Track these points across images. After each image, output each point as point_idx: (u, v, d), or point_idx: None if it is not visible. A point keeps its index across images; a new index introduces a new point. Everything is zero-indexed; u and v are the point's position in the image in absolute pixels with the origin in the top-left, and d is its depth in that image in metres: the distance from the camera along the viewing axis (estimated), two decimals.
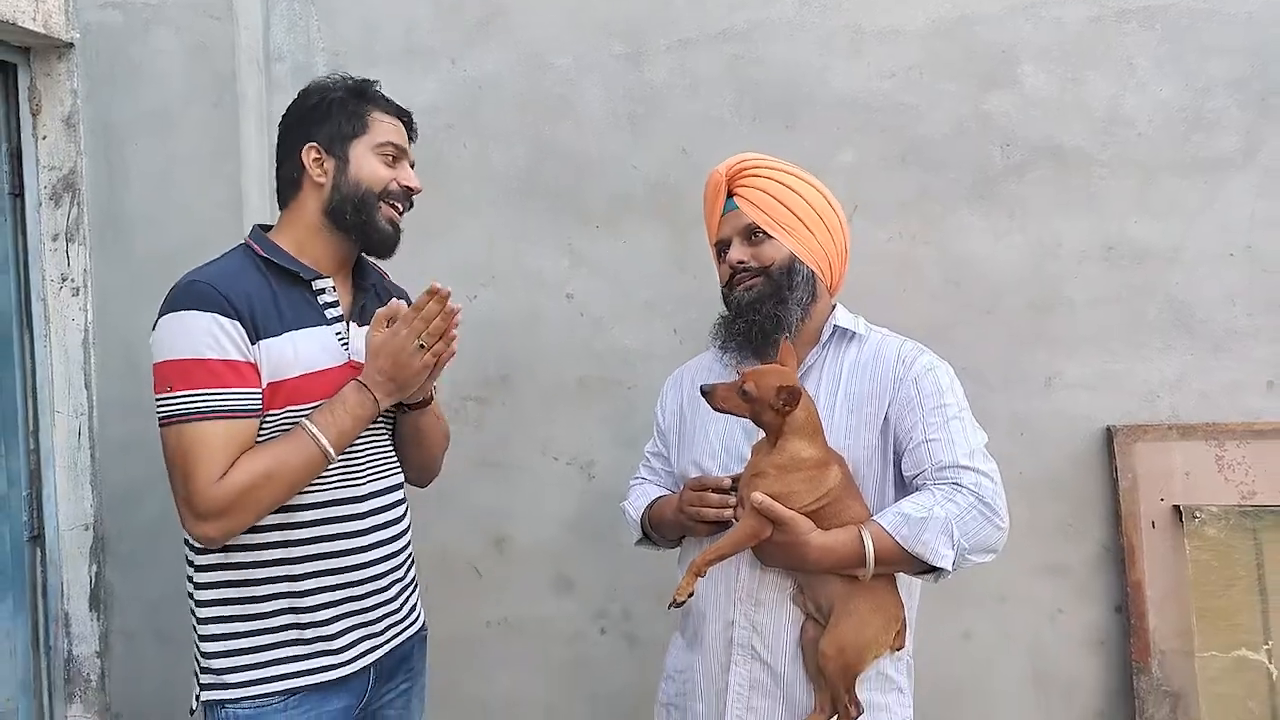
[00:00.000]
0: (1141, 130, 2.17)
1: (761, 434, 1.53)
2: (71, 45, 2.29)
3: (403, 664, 1.69)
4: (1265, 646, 2.03)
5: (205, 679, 1.51)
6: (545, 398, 2.37)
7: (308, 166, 1.55)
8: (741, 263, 1.61)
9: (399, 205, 1.61)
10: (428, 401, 1.65)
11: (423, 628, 1.78)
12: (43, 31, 2.20)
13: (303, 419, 1.46)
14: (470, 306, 2.37)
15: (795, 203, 1.60)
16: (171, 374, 1.40)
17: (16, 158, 2.30)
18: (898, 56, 2.23)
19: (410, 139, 1.65)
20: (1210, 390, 2.16)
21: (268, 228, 1.62)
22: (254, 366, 1.44)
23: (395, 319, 1.50)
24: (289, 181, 1.58)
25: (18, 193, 2.31)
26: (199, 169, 2.30)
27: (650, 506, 1.72)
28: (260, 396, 1.44)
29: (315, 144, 1.55)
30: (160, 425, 1.42)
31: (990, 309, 2.23)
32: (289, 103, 1.63)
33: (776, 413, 1.44)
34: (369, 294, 1.67)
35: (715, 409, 1.50)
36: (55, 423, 2.32)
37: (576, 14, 2.33)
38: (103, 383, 2.35)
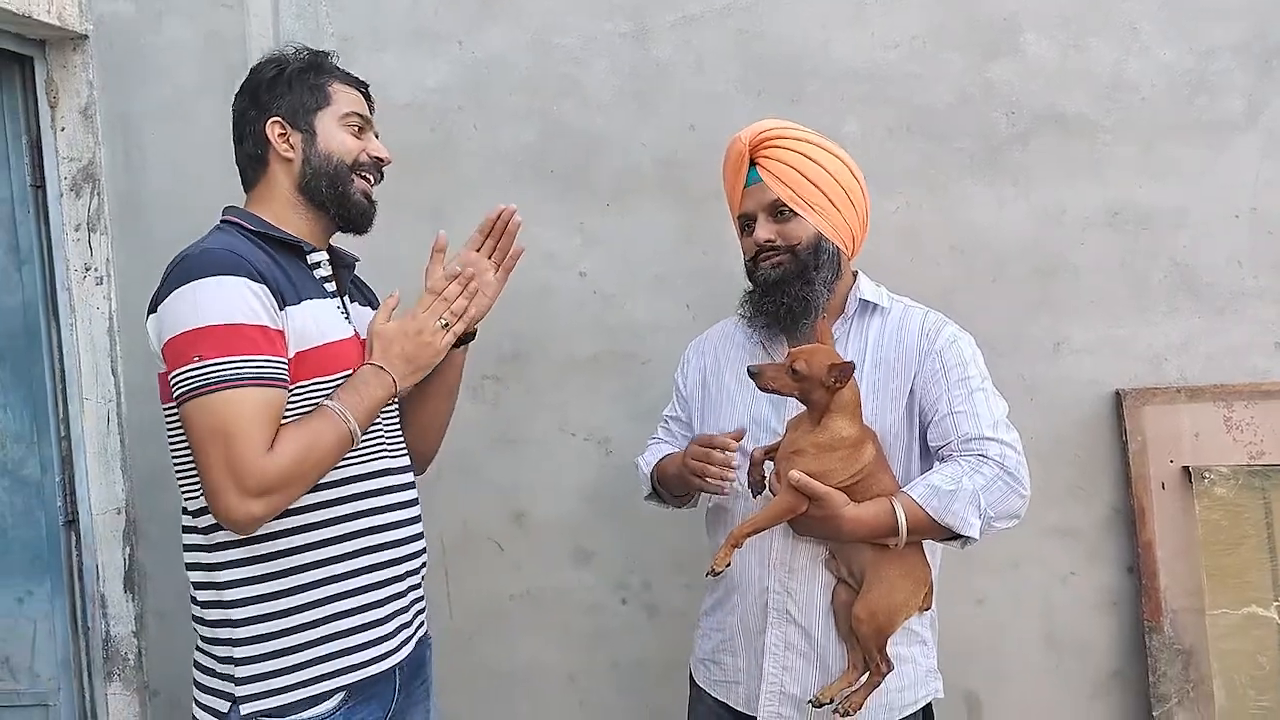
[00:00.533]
0: (1145, 95, 2.18)
1: (790, 409, 1.58)
2: (86, 37, 2.33)
3: (419, 670, 1.62)
4: (1275, 603, 2.06)
5: (245, 689, 1.40)
6: (560, 374, 2.41)
7: (273, 141, 1.50)
8: (769, 240, 1.62)
9: (370, 176, 1.57)
10: (469, 339, 1.64)
11: (428, 633, 1.70)
12: (57, 24, 2.24)
13: (323, 400, 1.40)
14: None
15: (821, 178, 1.59)
16: (202, 342, 1.28)
17: (37, 149, 2.35)
18: (901, 27, 2.25)
19: (370, 110, 1.60)
20: (1216, 352, 2.18)
21: (235, 209, 1.54)
22: (282, 335, 1.37)
23: (427, 277, 1.50)
24: (254, 159, 1.52)
25: (39, 184, 2.36)
26: (214, 157, 2.31)
27: (659, 463, 1.77)
28: (287, 366, 1.36)
29: (279, 118, 1.50)
30: (187, 399, 1.29)
31: (996, 276, 2.25)
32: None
33: (827, 390, 1.48)
34: (349, 271, 1.63)
35: (763, 389, 1.52)
36: (85, 409, 2.38)
37: None
38: (128, 368, 2.41)
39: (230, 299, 1.31)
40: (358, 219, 1.56)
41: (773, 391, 1.52)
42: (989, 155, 2.23)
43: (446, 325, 1.50)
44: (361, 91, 1.59)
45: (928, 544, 1.60)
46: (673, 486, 1.72)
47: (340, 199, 1.53)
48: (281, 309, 1.38)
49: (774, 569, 1.61)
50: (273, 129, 1.50)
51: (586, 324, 2.39)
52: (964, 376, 1.57)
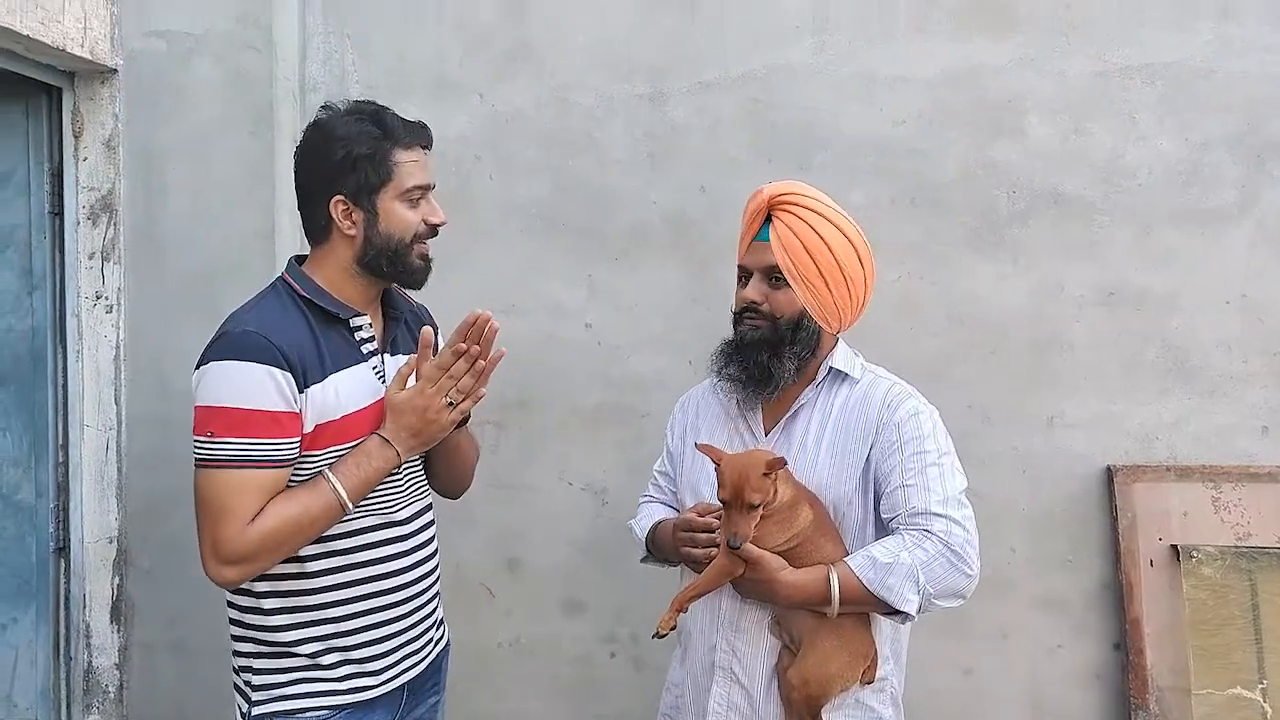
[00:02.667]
0: (1141, 181, 2.25)
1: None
2: (115, 71, 2.38)
3: (432, 678, 1.73)
4: (1260, 686, 2.08)
5: (259, 695, 1.54)
6: (561, 424, 2.43)
7: (336, 219, 1.53)
8: (754, 303, 1.62)
9: (426, 241, 1.62)
10: (465, 422, 1.67)
11: (448, 640, 1.83)
12: (89, 57, 2.29)
13: (324, 469, 1.49)
14: None
15: (822, 255, 1.57)
16: (216, 420, 1.43)
17: (58, 178, 2.39)
18: (908, 104, 2.32)
19: (431, 146, 1.63)
20: (1206, 433, 2.23)
21: (302, 258, 1.63)
22: (298, 416, 1.46)
23: (417, 372, 1.52)
24: (318, 227, 1.57)
25: (57, 211, 2.39)
26: (234, 194, 2.38)
27: (654, 527, 1.78)
28: (298, 445, 1.47)
29: (342, 197, 1.53)
30: (198, 465, 1.46)
31: (994, 349, 2.30)
32: (304, 138, 1.60)
33: (772, 480, 1.48)
34: (399, 323, 1.70)
35: (746, 540, 1.48)
36: (85, 437, 2.38)
37: (601, 54, 2.42)
38: (132, 398, 2.41)
39: (250, 386, 1.43)
40: (413, 281, 1.63)
41: (756, 538, 1.49)
42: (990, 231, 2.30)
43: (452, 404, 1.52)
44: (423, 144, 1.59)
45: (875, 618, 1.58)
46: (668, 556, 1.73)
47: (399, 269, 1.58)
48: (303, 390, 1.47)
49: (722, 627, 1.62)
50: (336, 207, 1.53)
51: (589, 375, 2.42)
52: (920, 450, 1.55)
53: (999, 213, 2.29)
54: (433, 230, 1.61)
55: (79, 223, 2.39)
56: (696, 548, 1.58)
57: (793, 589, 1.50)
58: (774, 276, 1.61)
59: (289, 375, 1.45)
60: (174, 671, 2.43)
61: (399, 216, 1.55)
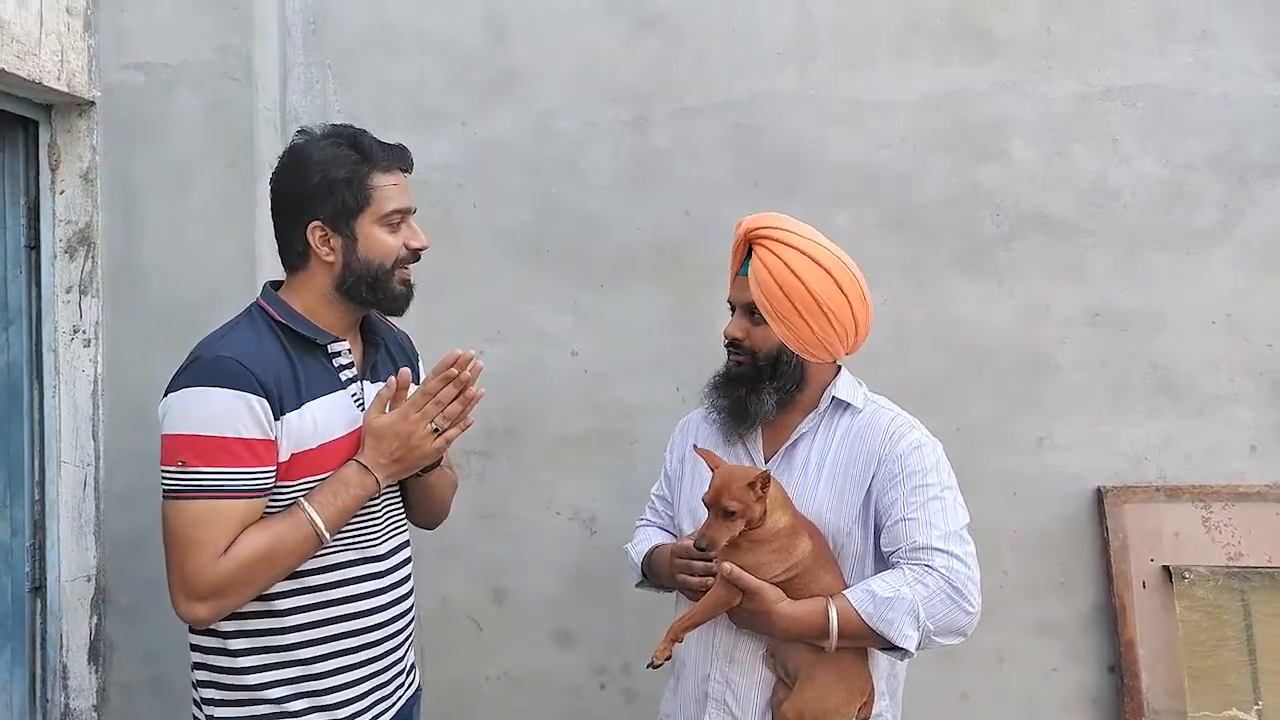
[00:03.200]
0: (1125, 202, 2.26)
1: None
2: (93, 103, 2.35)
3: None
4: (1256, 707, 2.07)
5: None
6: (548, 452, 2.41)
7: (314, 245, 1.50)
8: (735, 339, 1.63)
9: (409, 267, 1.59)
10: (438, 463, 1.63)
11: (419, 687, 1.77)
12: (66, 90, 2.26)
13: (300, 498, 1.44)
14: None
15: (795, 291, 1.55)
16: (187, 449, 1.38)
17: (34, 211, 2.35)
18: (893, 128, 2.33)
19: (411, 169, 1.60)
20: (1195, 453, 2.23)
21: (278, 283, 1.59)
22: (273, 444, 1.42)
23: (395, 399, 1.48)
24: (295, 253, 1.54)
25: (34, 245, 2.35)
26: (213, 226, 2.34)
27: (651, 553, 1.76)
28: (274, 474, 1.43)
29: (320, 222, 1.49)
30: (165, 497, 1.40)
31: (981, 371, 2.29)
32: (281, 162, 1.56)
33: (759, 501, 1.48)
34: (379, 349, 1.66)
35: (718, 549, 1.49)
36: (61, 473, 2.33)
37: (584, 80, 2.42)
38: (110, 434, 2.37)
39: (224, 413, 1.38)
40: (394, 308, 1.59)
41: (729, 546, 1.49)
42: (975, 253, 2.30)
43: (438, 430, 1.48)
44: (402, 167, 1.56)
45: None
46: (664, 581, 1.71)
47: (379, 295, 1.55)
48: (279, 417, 1.42)
49: (716, 658, 1.60)
50: (314, 234, 1.50)
51: (576, 402, 2.40)
52: (922, 484, 1.53)
53: (984, 235, 2.30)
54: (414, 255, 1.58)
55: (56, 256, 2.35)
56: (693, 575, 1.56)
57: (790, 621, 1.48)
58: (753, 312, 1.61)
59: (264, 401, 1.40)
60: (154, 712, 2.36)
61: (379, 241, 1.52)
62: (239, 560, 1.38)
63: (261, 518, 1.43)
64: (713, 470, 1.52)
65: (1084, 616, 2.24)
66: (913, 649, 1.46)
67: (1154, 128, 2.25)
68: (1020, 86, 2.29)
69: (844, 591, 1.50)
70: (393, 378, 1.53)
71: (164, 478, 1.40)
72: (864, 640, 1.49)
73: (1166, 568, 2.16)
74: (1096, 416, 2.26)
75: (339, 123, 1.61)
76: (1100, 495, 2.22)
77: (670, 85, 2.39)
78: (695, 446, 1.61)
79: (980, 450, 2.27)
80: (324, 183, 1.48)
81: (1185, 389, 2.23)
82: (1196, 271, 2.23)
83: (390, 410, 1.50)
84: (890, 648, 1.48)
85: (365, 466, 1.47)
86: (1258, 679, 2.08)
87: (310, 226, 1.50)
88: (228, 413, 1.38)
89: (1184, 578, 2.13)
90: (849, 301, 1.60)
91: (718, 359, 2.26)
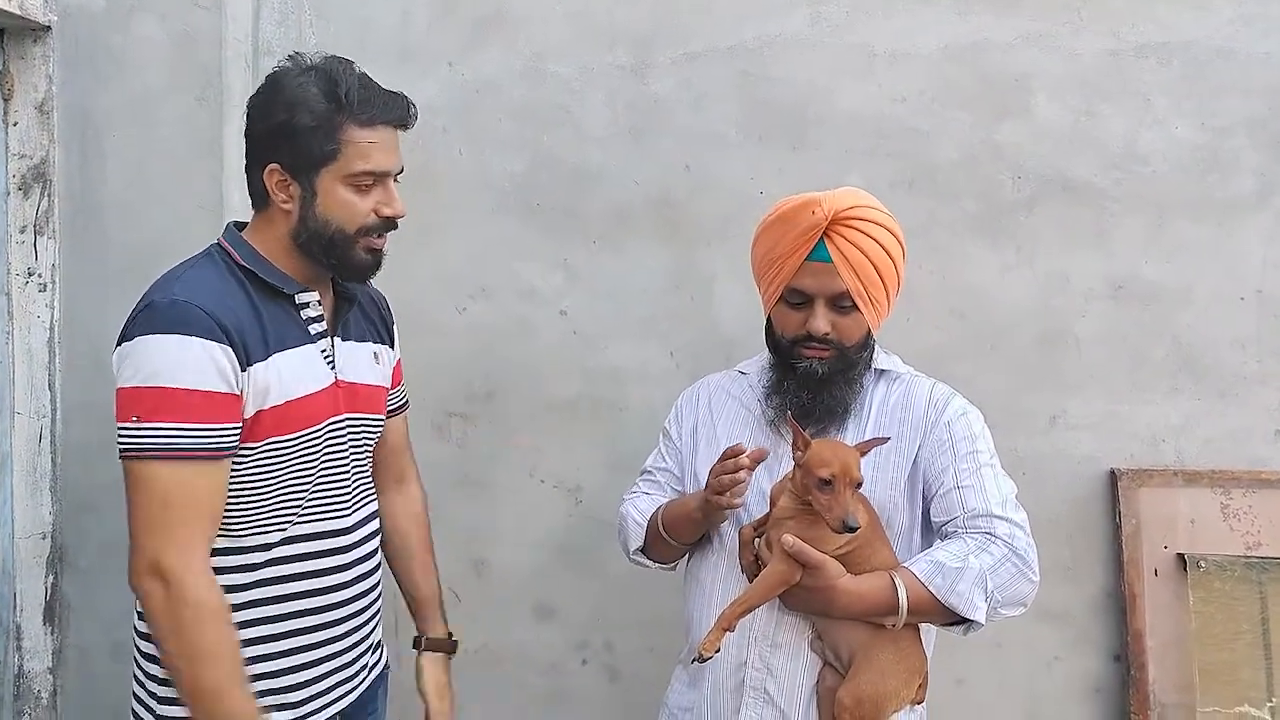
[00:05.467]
0: (1155, 168, 2.12)
1: (783, 473, 1.48)
2: (49, 28, 2.19)
3: (365, 707, 1.58)
4: (1269, 704, 1.97)
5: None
6: (533, 417, 2.28)
7: (270, 189, 1.37)
8: (826, 334, 1.48)
9: (379, 237, 1.44)
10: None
11: (386, 665, 1.68)
12: (18, 13, 2.10)
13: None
14: (458, 319, 2.28)
15: (888, 270, 1.48)
16: (139, 402, 1.26)
17: None
18: (909, 80, 2.17)
19: (406, 126, 1.45)
20: (1216, 436, 2.11)
21: (242, 225, 1.46)
22: (237, 400, 1.30)
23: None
24: (256, 192, 1.42)
25: None
26: (179, 164, 2.21)
27: (663, 508, 1.62)
28: (237, 433, 1.31)
29: (277, 165, 1.36)
30: (122, 457, 1.28)
31: (995, 343, 2.17)
32: (258, 89, 1.44)
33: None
34: (351, 306, 1.53)
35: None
36: (15, 425, 2.20)
37: (580, 21, 2.26)
38: (68, 384, 2.24)
39: (182, 363, 1.26)
40: (353, 275, 1.45)
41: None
42: (993, 218, 2.16)
43: None
44: (386, 121, 1.39)
45: (923, 627, 1.49)
46: (684, 533, 1.56)
47: (336, 260, 1.41)
48: (245, 368, 1.30)
49: (755, 643, 1.48)
50: (270, 177, 1.37)
51: (564, 365, 2.27)
52: (972, 450, 1.49)
53: (1003, 198, 2.16)
54: (387, 223, 1.43)
55: (9, 193, 2.20)
56: (730, 488, 1.40)
57: (854, 598, 1.37)
58: (842, 304, 1.47)
59: (229, 351, 1.28)
60: (113, 676, 2.25)
61: (341, 201, 1.37)
62: (204, 610, 1.27)
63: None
64: (803, 445, 1.37)
65: (1091, 604, 2.13)
66: (983, 620, 1.38)
67: (1189, 88, 2.10)
68: (1047, 40, 2.14)
69: (906, 564, 1.41)
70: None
71: (118, 436, 1.28)
72: (930, 616, 1.40)
73: (1181, 556, 2.05)
74: (1114, 395, 2.13)
75: (339, 56, 1.43)
76: (1114, 478, 2.10)
77: (672, 28, 2.23)
78: (789, 415, 1.45)
79: (990, 427, 2.11)
80: (287, 124, 1.34)
81: (1209, 368, 2.11)
82: (1228, 244, 2.10)
83: None
84: (955, 621, 1.40)
85: None
86: (1272, 675, 1.98)
87: (269, 169, 1.37)
88: (187, 363, 1.26)
89: (1199, 567, 2.02)
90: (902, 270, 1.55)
91: (716, 323, 2.13)
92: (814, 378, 1.49)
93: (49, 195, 2.21)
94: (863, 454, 1.38)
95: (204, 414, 1.26)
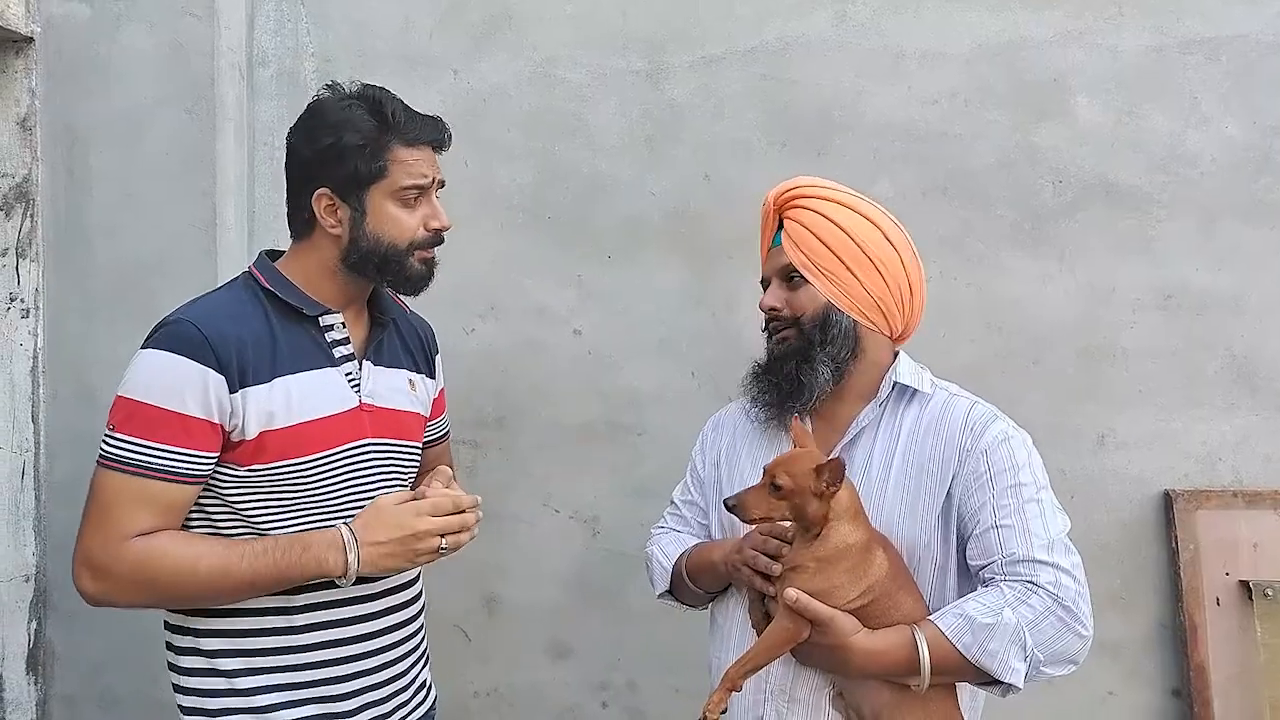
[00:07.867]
0: (1204, 170, 2.02)
1: None
2: (31, 40, 2.10)
3: None
4: None
5: None
6: (546, 443, 2.17)
7: (319, 215, 1.39)
8: (773, 309, 1.43)
9: (430, 250, 1.45)
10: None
11: (433, 706, 1.59)
12: None
13: (261, 535, 1.33)
14: (466, 340, 2.17)
15: (838, 241, 1.39)
16: (116, 411, 1.30)
17: None
18: (941, 82, 2.08)
19: (444, 147, 1.47)
20: (1276, 453, 2.00)
21: (276, 254, 1.47)
22: (216, 429, 1.30)
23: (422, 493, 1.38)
24: (301, 220, 1.43)
25: None
26: (169, 181, 2.11)
27: (688, 553, 1.51)
28: (209, 462, 1.31)
29: (326, 190, 1.38)
30: (98, 462, 1.31)
31: (1037, 358, 2.05)
32: (299, 119, 1.43)
33: (820, 498, 1.24)
34: (386, 329, 1.51)
35: (750, 521, 1.29)
36: None
37: (591, 24, 2.16)
38: (52, 416, 2.13)
39: (164, 382, 1.29)
40: (409, 287, 1.46)
41: (762, 520, 1.28)
42: (1032, 225, 2.06)
43: (443, 550, 1.37)
44: (428, 142, 1.42)
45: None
46: (708, 583, 1.46)
47: (393, 275, 1.43)
48: (237, 390, 1.31)
49: (772, 697, 1.36)
50: (319, 201, 1.39)
51: (578, 388, 2.17)
52: (1015, 483, 1.32)
53: (1043, 205, 2.05)
54: (436, 236, 1.45)
55: None
56: (755, 563, 1.31)
57: (869, 657, 1.24)
58: (790, 276, 1.43)
59: (221, 379, 1.30)
60: None
61: (391, 218, 1.40)
62: (141, 556, 1.27)
63: (216, 534, 1.33)
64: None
65: (1147, 636, 2.01)
66: (1020, 684, 1.22)
67: (1238, 85, 2.01)
68: (1087, 36, 2.04)
69: (932, 617, 1.25)
70: (443, 467, 1.46)
71: (101, 440, 1.31)
72: (959, 675, 1.25)
73: (1245, 583, 1.93)
74: (1165, 411, 2.02)
75: (372, 85, 1.43)
76: (1169, 500, 1.98)
77: (688, 30, 2.13)
78: (795, 418, 1.38)
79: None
80: (335, 146, 1.37)
81: (1266, 380, 2.00)
82: None
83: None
84: (990, 683, 1.24)
85: (344, 543, 1.32)
86: None
87: (317, 194, 1.39)
88: (168, 382, 1.29)
89: (1266, 595, 1.90)
90: (899, 255, 1.42)
91: (737, 341, 2.02)
92: (771, 358, 1.45)
93: (32, 216, 2.12)
94: (824, 471, 1.25)
95: (170, 435, 1.27)
